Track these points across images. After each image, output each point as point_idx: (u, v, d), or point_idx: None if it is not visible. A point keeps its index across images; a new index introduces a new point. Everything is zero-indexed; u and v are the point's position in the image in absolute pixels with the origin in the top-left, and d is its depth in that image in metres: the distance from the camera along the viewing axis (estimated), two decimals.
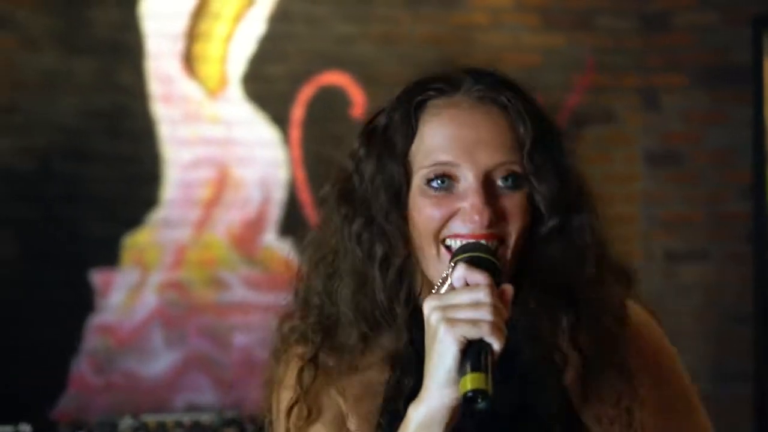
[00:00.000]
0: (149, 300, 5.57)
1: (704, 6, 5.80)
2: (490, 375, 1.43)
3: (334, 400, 1.61)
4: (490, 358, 1.43)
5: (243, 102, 5.73)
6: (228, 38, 5.72)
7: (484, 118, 1.58)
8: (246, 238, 5.78)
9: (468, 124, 1.58)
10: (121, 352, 5.45)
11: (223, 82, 5.74)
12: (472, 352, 1.43)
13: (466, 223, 1.53)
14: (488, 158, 1.54)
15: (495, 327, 1.42)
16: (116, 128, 5.56)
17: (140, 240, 5.58)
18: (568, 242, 1.60)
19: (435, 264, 1.55)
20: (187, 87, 5.70)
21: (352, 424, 1.60)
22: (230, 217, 5.64)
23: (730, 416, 5.57)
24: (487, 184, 1.53)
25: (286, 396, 1.63)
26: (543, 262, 1.59)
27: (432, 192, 1.56)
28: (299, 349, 1.63)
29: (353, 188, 1.61)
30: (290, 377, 1.63)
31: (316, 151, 5.71)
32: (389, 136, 1.60)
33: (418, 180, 1.56)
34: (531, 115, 1.60)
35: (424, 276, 1.59)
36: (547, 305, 1.57)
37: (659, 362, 1.73)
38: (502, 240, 1.54)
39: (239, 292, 5.73)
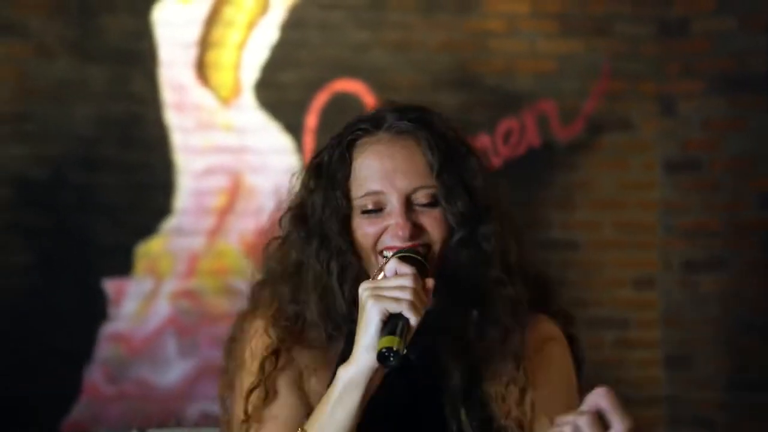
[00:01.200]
0: (162, 309, 5.59)
1: (722, 13, 5.77)
2: (403, 340, 1.76)
3: (296, 370, 1.94)
4: (405, 328, 1.77)
5: (256, 110, 5.73)
6: (241, 45, 5.72)
7: (401, 150, 1.95)
8: (259, 247, 5.61)
9: (388, 156, 1.95)
10: (134, 360, 5.47)
11: (236, 90, 5.73)
12: (391, 323, 1.77)
13: (393, 237, 1.90)
14: (406, 184, 1.92)
15: (413, 305, 1.77)
16: (129, 136, 5.59)
17: (153, 248, 5.59)
18: (476, 249, 1.93)
19: (376, 271, 1.91)
20: (200, 95, 5.70)
21: (305, 382, 1.94)
22: (243, 226, 5.62)
23: (748, 426, 5.71)
24: (407, 204, 1.91)
25: (247, 380, 1.92)
26: (456, 266, 1.94)
27: (365, 216, 1.94)
28: (264, 340, 1.94)
29: (307, 214, 1.97)
30: (254, 364, 1.93)
31: None
32: (332, 172, 1.96)
33: (356, 207, 1.93)
34: (440, 145, 1.95)
35: None
36: (459, 302, 1.91)
37: (551, 356, 2.03)
38: (428, 247, 1.90)
39: None
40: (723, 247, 5.82)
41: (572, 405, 1.94)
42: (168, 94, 5.65)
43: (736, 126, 5.78)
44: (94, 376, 5.35)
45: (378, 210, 1.97)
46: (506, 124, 5.85)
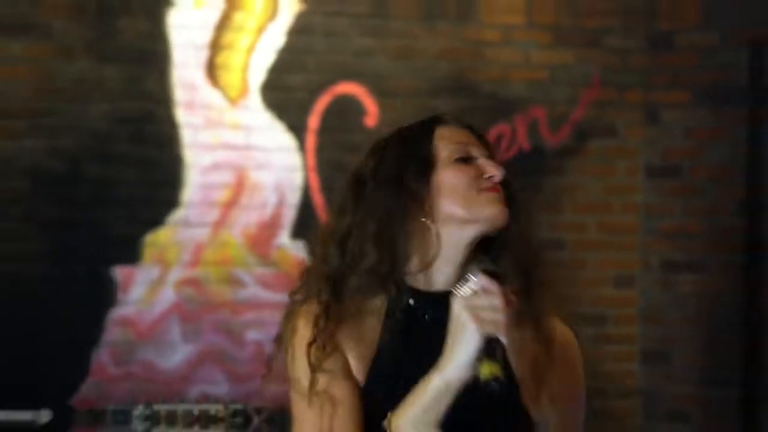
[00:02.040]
0: (168, 295, 5.70)
1: (705, 28, 5.85)
2: (501, 364, 1.90)
3: (339, 343, 2.06)
4: (500, 351, 1.91)
5: (262, 110, 5.82)
6: (250, 49, 5.82)
7: (471, 136, 2.19)
8: (261, 239, 5.87)
9: (464, 134, 2.19)
10: (140, 344, 5.59)
11: (243, 91, 5.83)
12: (489, 346, 1.90)
13: (492, 169, 2.10)
14: (483, 151, 2.16)
15: (506, 327, 1.92)
16: (142, 133, 5.68)
17: (161, 239, 5.69)
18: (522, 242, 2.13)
19: (453, 226, 2.08)
20: (210, 95, 5.80)
21: (350, 361, 2.06)
22: (246, 219, 5.75)
23: (721, 420, 5.81)
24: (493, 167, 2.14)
25: (301, 340, 2.05)
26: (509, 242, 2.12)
27: (457, 163, 2.11)
28: (309, 307, 2.07)
29: (367, 178, 2.12)
30: (304, 326, 2.06)
31: (330, 158, 5.86)
32: (414, 136, 2.17)
33: (443, 159, 2.10)
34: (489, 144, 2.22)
35: (420, 256, 2.07)
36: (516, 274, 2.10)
37: (567, 355, 2.20)
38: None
39: (253, 290, 5.83)
40: (701, 249, 5.90)
41: (579, 410, 2.23)
42: (179, 94, 5.75)
43: (717, 136, 5.86)
44: (103, 357, 5.52)
45: (469, 159, 2.16)
46: (498, 128, 5.94)
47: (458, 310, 1.95)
